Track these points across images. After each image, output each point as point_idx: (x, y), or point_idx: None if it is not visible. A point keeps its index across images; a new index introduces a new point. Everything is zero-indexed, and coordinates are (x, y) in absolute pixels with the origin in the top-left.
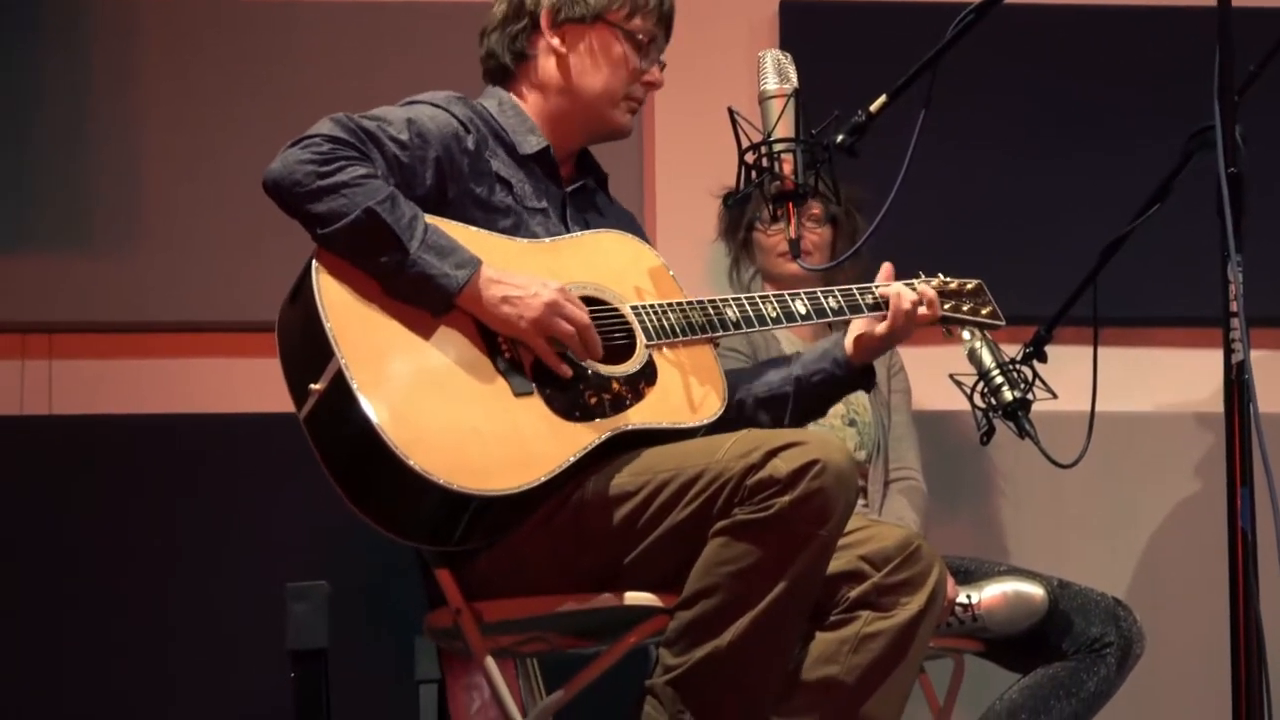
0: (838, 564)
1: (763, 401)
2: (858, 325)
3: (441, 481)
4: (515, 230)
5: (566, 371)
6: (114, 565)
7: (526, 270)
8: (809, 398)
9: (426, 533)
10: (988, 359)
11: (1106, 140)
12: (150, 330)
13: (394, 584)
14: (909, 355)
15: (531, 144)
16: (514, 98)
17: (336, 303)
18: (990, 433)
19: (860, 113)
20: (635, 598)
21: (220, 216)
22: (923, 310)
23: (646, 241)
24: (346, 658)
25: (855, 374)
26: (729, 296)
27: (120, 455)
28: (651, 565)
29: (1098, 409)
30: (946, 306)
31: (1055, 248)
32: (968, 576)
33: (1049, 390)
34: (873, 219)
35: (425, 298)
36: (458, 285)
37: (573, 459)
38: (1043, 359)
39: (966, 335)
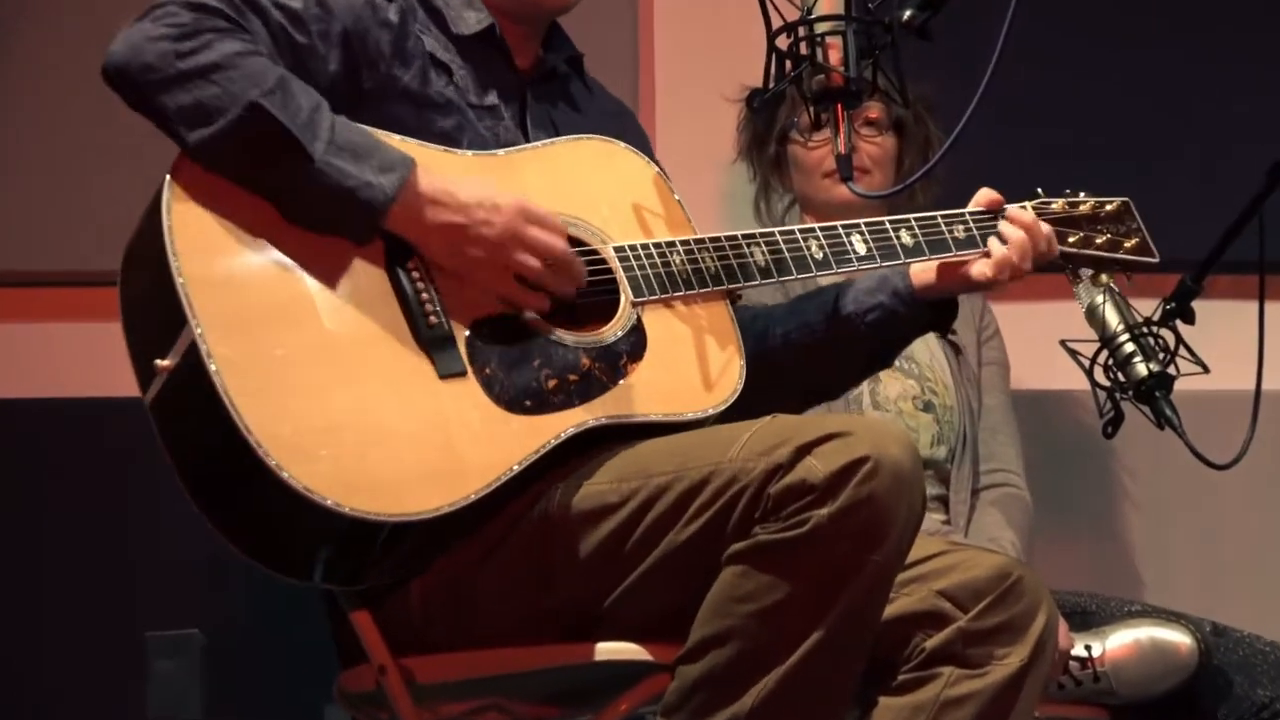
0: (909, 603)
1: (799, 350)
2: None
3: (331, 503)
4: (460, 133)
5: (542, 304)
6: None
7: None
8: (862, 344)
9: (317, 570)
10: (1114, 319)
11: (1273, 22)
12: None
13: (294, 632)
14: (1002, 313)
15: (470, 22)
16: None
17: (195, 244)
18: (1117, 420)
19: None
20: (622, 650)
21: (57, 135)
22: (1040, 246)
23: (645, 151)
24: None
25: (923, 311)
26: (756, 232)
27: None
28: (644, 605)
29: (1264, 388)
30: (1072, 240)
31: (1205, 168)
32: (1087, 619)
33: (1198, 362)
34: (951, 127)
35: (340, 220)
36: (385, 196)
37: (518, 468)
38: (1189, 319)
39: (1086, 277)
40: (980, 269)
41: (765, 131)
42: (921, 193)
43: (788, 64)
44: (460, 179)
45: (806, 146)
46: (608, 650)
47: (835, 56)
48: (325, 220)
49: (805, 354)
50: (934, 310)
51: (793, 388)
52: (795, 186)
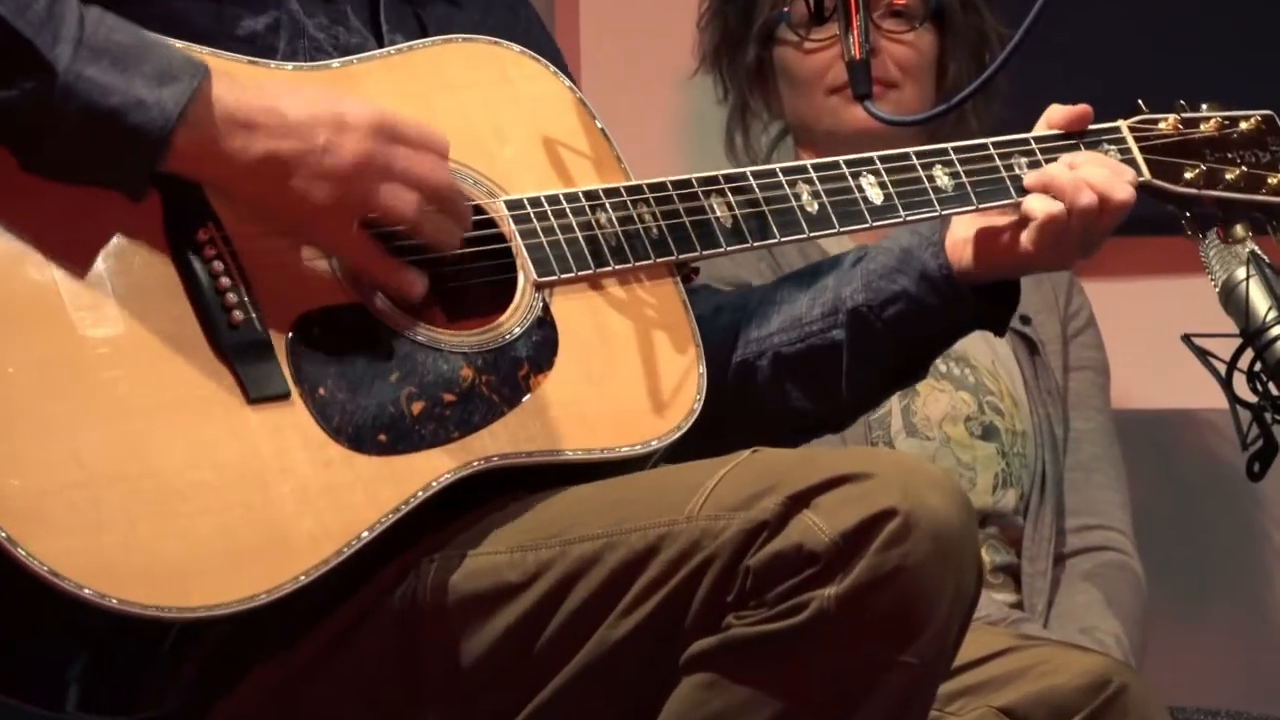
0: None
1: (785, 360)
2: (983, 216)
3: (89, 593)
4: (275, 36)
5: (417, 290)
6: None
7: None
8: (880, 349)
9: (68, 693)
10: (1263, 303)
11: None
12: None
13: None
14: (1098, 294)
15: None
16: None
17: None
18: (1268, 453)
19: None
20: None
21: None
22: (1116, 193)
23: (552, 60)
24: None
25: (966, 301)
26: (718, 174)
27: None
28: None
29: None
30: (1189, 176)
31: None
32: None
33: None
34: (1016, 24)
35: (100, 160)
36: (168, 117)
37: (368, 534)
38: None
39: (1217, 238)
40: (1024, 240)
41: (740, 26)
42: (975, 116)
43: None
44: (283, 88)
45: (802, 49)
46: None
47: None
48: (77, 164)
49: (795, 365)
50: (984, 299)
51: (774, 416)
52: (786, 110)
